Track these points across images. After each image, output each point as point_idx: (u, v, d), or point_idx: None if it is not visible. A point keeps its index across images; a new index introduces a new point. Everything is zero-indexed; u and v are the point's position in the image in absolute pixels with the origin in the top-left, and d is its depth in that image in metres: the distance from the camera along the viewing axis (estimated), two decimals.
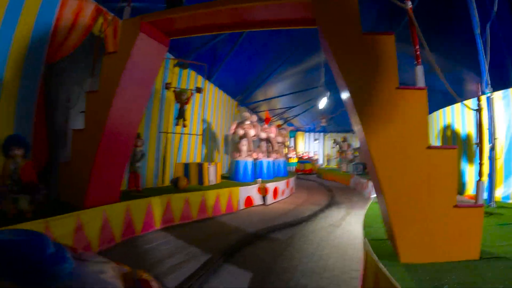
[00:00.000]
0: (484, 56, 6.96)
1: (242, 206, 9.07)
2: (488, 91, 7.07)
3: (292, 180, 12.62)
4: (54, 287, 0.96)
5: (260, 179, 10.24)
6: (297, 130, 27.41)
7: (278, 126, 14.75)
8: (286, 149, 22.16)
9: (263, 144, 11.98)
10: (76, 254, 1.18)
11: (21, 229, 1.23)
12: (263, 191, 9.90)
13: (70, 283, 1.00)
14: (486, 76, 7.06)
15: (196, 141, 10.65)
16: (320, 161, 28.35)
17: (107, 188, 5.59)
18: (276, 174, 13.08)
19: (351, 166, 16.76)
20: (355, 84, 3.46)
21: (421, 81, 3.49)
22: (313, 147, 28.77)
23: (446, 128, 10.31)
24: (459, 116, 9.69)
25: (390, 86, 3.34)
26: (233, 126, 10.63)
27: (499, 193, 7.49)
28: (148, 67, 5.63)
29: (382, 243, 3.84)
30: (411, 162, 3.23)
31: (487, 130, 6.92)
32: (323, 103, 11.07)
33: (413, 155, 3.24)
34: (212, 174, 9.55)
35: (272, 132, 12.17)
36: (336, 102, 19.12)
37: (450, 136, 10.10)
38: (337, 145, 23.23)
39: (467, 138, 9.26)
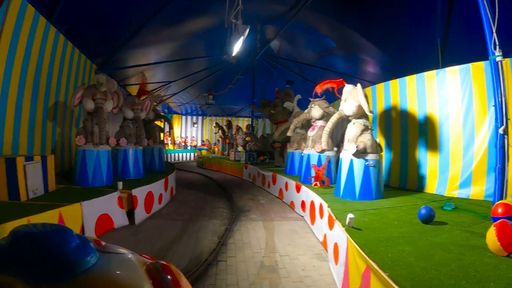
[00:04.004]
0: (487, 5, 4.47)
1: (90, 234, 4.94)
2: (497, 54, 4.49)
3: (171, 177, 8.74)
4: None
5: (121, 182, 6.13)
6: (171, 112, 23.22)
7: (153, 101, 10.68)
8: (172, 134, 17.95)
9: (129, 126, 7.82)
10: (100, 246, 1.15)
11: (44, 223, 1.04)
12: (129, 203, 5.91)
13: (94, 275, 0.97)
14: (493, 35, 4.48)
15: (18, 117, 6.02)
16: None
17: None
18: (149, 168, 9.07)
19: (245, 154, 13.55)
20: None
21: None
22: (191, 132, 24.97)
23: (393, 106, 7.65)
24: (413, 91, 7.11)
25: None
26: (78, 94, 6.29)
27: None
28: None
29: None
30: None
31: (494, 107, 4.48)
32: (238, 46, 7.42)
33: None
34: (36, 178, 5.19)
35: (145, 108, 8.05)
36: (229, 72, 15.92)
37: (398, 114, 7.47)
38: (220, 130, 20.04)
39: (427, 118, 6.76)
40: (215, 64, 15.78)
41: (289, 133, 8.01)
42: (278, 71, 16.21)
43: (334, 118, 6.07)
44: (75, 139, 6.26)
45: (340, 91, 6.21)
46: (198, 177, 13.40)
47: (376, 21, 8.34)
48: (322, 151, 7.23)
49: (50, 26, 6.83)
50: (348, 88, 6.04)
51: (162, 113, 14.85)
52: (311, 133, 7.64)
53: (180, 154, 23.07)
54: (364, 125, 5.85)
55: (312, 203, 6.04)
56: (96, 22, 8.10)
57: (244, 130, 17.12)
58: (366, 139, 5.75)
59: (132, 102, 7.62)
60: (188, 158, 23.39)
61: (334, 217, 4.29)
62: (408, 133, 7.20)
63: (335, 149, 7.49)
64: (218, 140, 21.80)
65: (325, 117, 7.69)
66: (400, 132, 7.42)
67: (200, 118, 25.01)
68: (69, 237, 1.00)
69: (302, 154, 8.92)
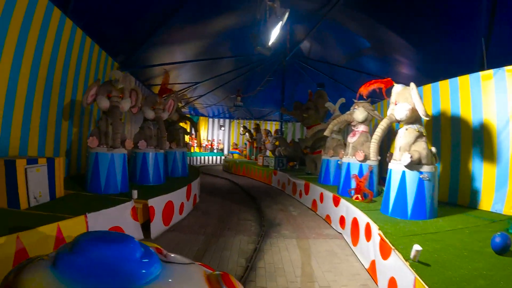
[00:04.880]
0: None
1: None
2: None
3: (195, 184, 8.02)
4: None
5: (136, 191, 5.42)
6: (198, 114, 22.69)
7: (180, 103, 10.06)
8: (199, 137, 17.29)
9: (150, 127, 7.16)
10: (162, 255, 1.23)
11: (110, 231, 1.31)
12: (144, 214, 5.23)
13: (158, 285, 1.02)
14: None
15: (28, 116, 5.47)
16: (225, 152, 24.17)
17: None
18: (171, 174, 8.42)
19: (274, 159, 12.74)
20: None
21: None
22: (218, 135, 24.37)
23: (443, 110, 6.70)
24: (466, 93, 6.17)
25: None
26: (92, 91, 5.66)
27: None
28: None
29: None
30: None
31: None
32: (276, 32, 6.59)
33: None
34: (40, 183, 4.60)
35: (168, 109, 7.36)
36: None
37: (448, 120, 6.51)
38: (247, 133, 19.30)
39: (483, 124, 5.81)
40: (243, 65, 15.11)
41: (326, 132, 7.12)
42: (309, 73, 15.36)
43: (383, 124, 5.17)
44: (87, 140, 5.64)
45: (388, 92, 5.34)
46: (224, 183, 12.69)
47: (415, 19, 7.47)
48: (364, 159, 6.35)
49: (65, 18, 6.27)
50: (397, 88, 5.16)
51: (188, 115, 14.27)
52: (351, 139, 6.76)
53: (206, 157, 22.52)
54: (418, 131, 4.95)
55: (355, 221, 5.17)
56: (117, 16, 7.50)
57: (273, 134, 16.30)
58: (420, 147, 4.85)
59: (153, 101, 6.96)
60: (214, 162, 22.83)
61: (391, 246, 3.43)
62: (461, 141, 6.23)
63: (378, 158, 6.60)
64: (246, 144, 21.08)
65: (368, 121, 6.81)
66: (451, 140, 6.45)
67: (227, 121, 24.36)
68: (133, 248, 1.06)
69: (339, 162, 8.07)
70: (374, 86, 5.50)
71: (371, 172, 6.30)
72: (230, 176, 15.07)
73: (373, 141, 5.27)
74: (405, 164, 4.67)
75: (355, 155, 6.45)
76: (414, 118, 4.99)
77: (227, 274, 1.32)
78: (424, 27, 7.34)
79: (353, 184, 6.23)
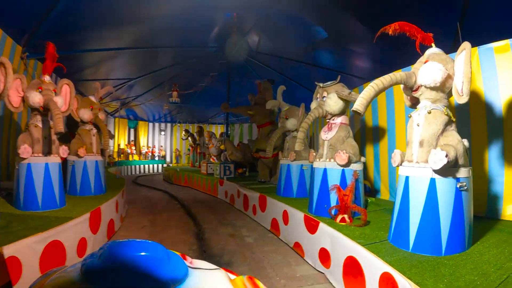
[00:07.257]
0: None
1: None
2: None
3: (110, 205, 5.65)
4: None
5: None
6: (137, 118, 20.22)
7: (100, 99, 7.68)
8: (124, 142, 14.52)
9: (37, 124, 4.81)
10: (187, 261, 1.16)
11: (138, 240, 1.07)
12: (4, 270, 3.03)
13: None
14: None
15: None
16: (168, 159, 21.88)
17: None
18: (81, 191, 6.09)
19: (219, 166, 10.73)
20: None
21: None
22: (159, 141, 21.97)
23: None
24: (476, 70, 4.72)
25: None
26: None
27: None
28: None
29: None
30: None
31: None
32: None
33: None
34: None
35: (64, 95, 5.05)
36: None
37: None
38: (190, 137, 17.29)
39: (503, 107, 4.41)
40: (185, 59, 13.11)
41: (297, 147, 5.14)
42: (257, 70, 13.66)
43: (396, 76, 3.24)
44: None
45: (422, 50, 3.49)
46: (160, 197, 10.41)
47: (381, 5, 6.05)
48: (348, 163, 4.54)
49: None
50: (434, 50, 3.36)
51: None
52: (326, 135, 4.89)
53: (146, 166, 20.13)
54: (446, 114, 3.20)
55: (353, 263, 3.28)
56: None
57: (218, 137, 14.27)
58: (454, 140, 3.10)
59: (38, 82, 4.62)
60: (155, 170, 20.53)
61: None
62: (471, 131, 4.67)
63: (363, 159, 4.85)
64: (189, 149, 18.95)
65: (347, 110, 5.02)
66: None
67: (169, 125, 22.07)
68: (162, 255, 0.98)
69: (304, 168, 6.29)
70: (408, 29, 3.51)
71: (356, 180, 4.52)
72: (171, 187, 12.85)
73: (369, 87, 3.25)
74: (438, 167, 2.88)
75: (334, 157, 4.60)
76: (440, 94, 3.22)
77: (252, 278, 1.26)
78: (393, 14, 5.97)
79: (334, 199, 4.42)
